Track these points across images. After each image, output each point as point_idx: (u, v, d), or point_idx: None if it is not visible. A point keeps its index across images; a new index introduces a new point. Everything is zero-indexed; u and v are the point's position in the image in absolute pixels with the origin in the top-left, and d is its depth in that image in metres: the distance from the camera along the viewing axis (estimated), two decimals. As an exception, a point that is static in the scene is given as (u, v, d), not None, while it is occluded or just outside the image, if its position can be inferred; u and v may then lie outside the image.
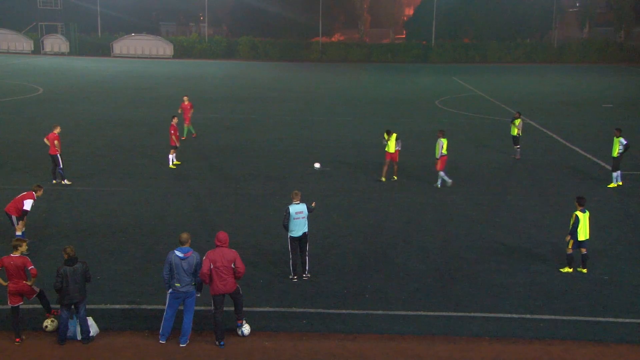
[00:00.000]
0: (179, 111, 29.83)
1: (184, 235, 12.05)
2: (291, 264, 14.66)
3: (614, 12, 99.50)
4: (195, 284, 11.95)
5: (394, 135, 22.95)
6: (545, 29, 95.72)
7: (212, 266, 11.85)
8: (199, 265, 11.86)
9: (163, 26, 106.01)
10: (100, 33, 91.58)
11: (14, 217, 15.93)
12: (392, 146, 22.85)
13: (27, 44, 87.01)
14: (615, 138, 22.75)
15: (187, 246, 11.93)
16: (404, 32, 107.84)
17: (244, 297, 12.41)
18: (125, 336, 12.19)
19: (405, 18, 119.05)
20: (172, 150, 24.66)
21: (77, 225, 18.04)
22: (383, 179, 23.00)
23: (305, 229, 14.62)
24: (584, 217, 15.08)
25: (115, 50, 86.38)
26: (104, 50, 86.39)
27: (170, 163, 24.68)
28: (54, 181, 21.96)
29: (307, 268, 14.78)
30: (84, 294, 11.82)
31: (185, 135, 29.71)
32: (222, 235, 12.17)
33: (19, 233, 15.90)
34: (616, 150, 22.59)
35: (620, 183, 22.95)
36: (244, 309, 12.46)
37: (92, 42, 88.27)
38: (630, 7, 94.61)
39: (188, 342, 11.93)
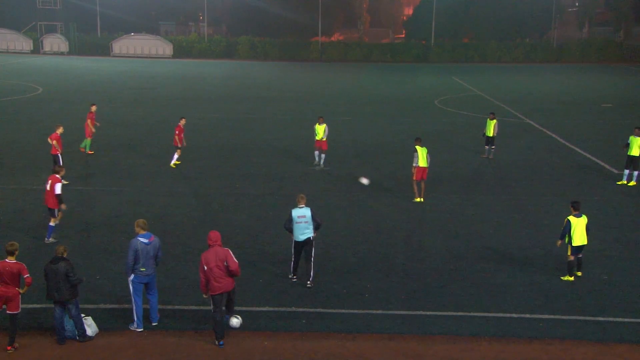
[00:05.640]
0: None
1: (141, 221, 12.42)
2: (292, 264, 14.54)
3: (613, 11, 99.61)
4: (157, 265, 12.44)
5: (425, 149, 20.49)
6: (544, 29, 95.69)
7: (205, 268, 11.80)
8: (160, 248, 12.39)
9: (162, 26, 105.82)
10: (99, 33, 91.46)
11: (54, 210, 16.42)
12: (423, 159, 20.36)
13: (26, 44, 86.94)
14: (634, 137, 22.42)
15: (147, 232, 12.31)
16: (404, 31, 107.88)
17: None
18: (125, 336, 12.19)
19: (404, 18, 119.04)
20: (178, 151, 24.69)
21: (77, 225, 18.03)
22: (418, 199, 20.65)
23: (309, 234, 14.06)
24: (577, 222, 14.52)
25: (115, 50, 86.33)
26: (104, 50, 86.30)
27: (172, 161, 24.68)
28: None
29: (311, 276, 14.15)
30: (65, 293, 11.63)
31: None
32: (213, 234, 12.11)
33: (52, 224, 16.49)
34: (636, 149, 22.33)
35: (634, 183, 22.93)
36: (241, 308, 12.46)
37: (92, 42, 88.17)
38: (630, 7, 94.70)
39: (159, 317, 12.41)
